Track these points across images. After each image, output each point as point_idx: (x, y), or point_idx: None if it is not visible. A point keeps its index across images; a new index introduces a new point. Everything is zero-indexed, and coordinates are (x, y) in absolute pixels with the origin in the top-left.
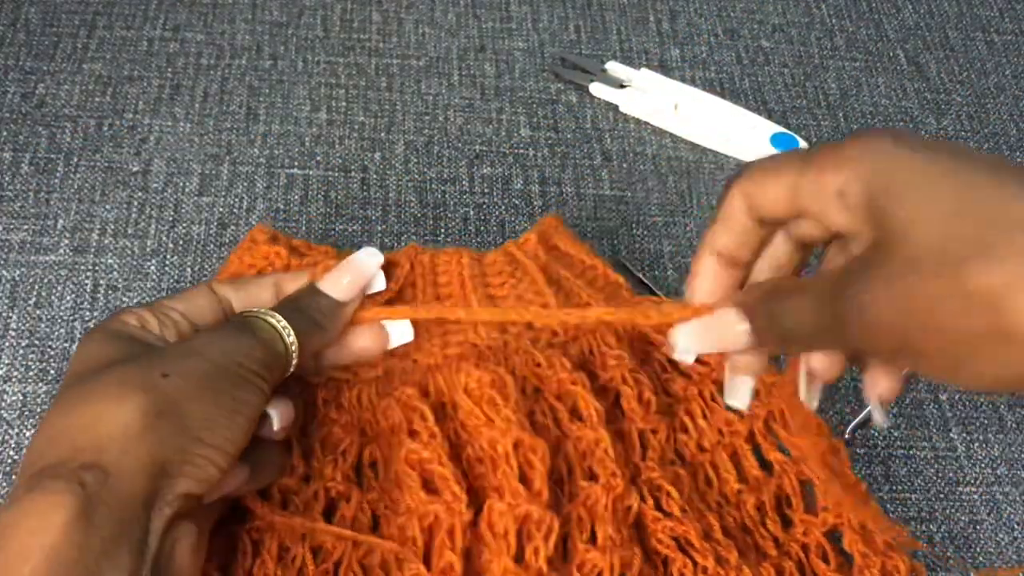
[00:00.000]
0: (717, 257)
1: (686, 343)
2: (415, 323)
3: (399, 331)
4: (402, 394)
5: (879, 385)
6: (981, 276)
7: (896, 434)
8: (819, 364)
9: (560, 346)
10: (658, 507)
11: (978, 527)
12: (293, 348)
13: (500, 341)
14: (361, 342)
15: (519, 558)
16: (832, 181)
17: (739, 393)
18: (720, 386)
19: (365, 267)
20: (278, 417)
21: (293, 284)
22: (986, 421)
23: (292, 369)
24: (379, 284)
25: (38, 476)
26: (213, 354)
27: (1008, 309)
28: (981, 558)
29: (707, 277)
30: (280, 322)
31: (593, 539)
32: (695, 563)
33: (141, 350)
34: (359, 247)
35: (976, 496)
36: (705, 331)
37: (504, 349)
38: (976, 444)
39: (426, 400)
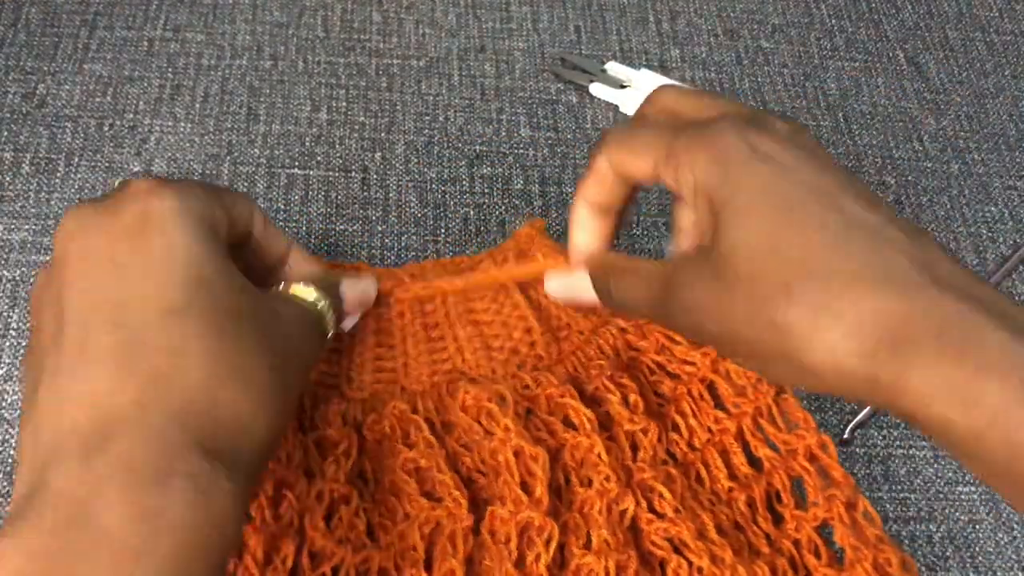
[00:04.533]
0: (590, 207)
1: (555, 289)
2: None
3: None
4: (394, 408)
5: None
6: (781, 314)
7: (896, 434)
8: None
9: (546, 369)
10: (651, 509)
11: (978, 527)
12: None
13: (488, 368)
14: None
15: (520, 564)
16: (687, 175)
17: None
18: (707, 384)
19: (369, 293)
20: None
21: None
22: None
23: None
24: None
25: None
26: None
27: (796, 345)
28: (981, 558)
29: (583, 227)
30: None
31: (588, 544)
32: (690, 563)
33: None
34: (358, 248)
35: (976, 496)
36: (568, 286)
37: (492, 376)
38: None
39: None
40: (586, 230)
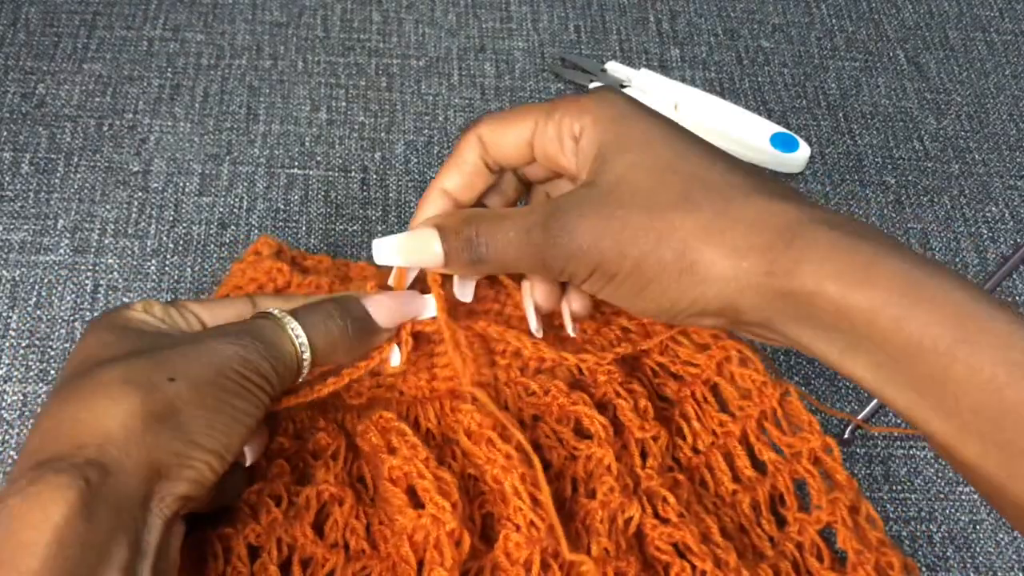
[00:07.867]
0: (444, 195)
1: (386, 253)
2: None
3: (422, 304)
4: (379, 417)
5: (572, 301)
6: (679, 221)
7: (896, 434)
8: (540, 296)
9: (549, 371)
10: (656, 514)
11: (978, 527)
12: (305, 362)
13: (490, 375)
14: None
15: None
16: (571, 125)
17: (466, 290)
18: (709, 387)
19: (415, 307)
20: (251, 453)
21: None
22: None
23: (302, 378)
24: (429, 311)
25: (41, 467)
26: (220, 362)
27: (693, 249)
28: (981, 558)
29: (431, 210)
30: (299, 337)
31: (588, 552)
32: (694, 567)
33: (148, 343)
34: (359, 247)
35: (976, 496)
36: (407, 244)
37: (495, 382)
38: None
39: (413, 429)
40: (433, 212)
